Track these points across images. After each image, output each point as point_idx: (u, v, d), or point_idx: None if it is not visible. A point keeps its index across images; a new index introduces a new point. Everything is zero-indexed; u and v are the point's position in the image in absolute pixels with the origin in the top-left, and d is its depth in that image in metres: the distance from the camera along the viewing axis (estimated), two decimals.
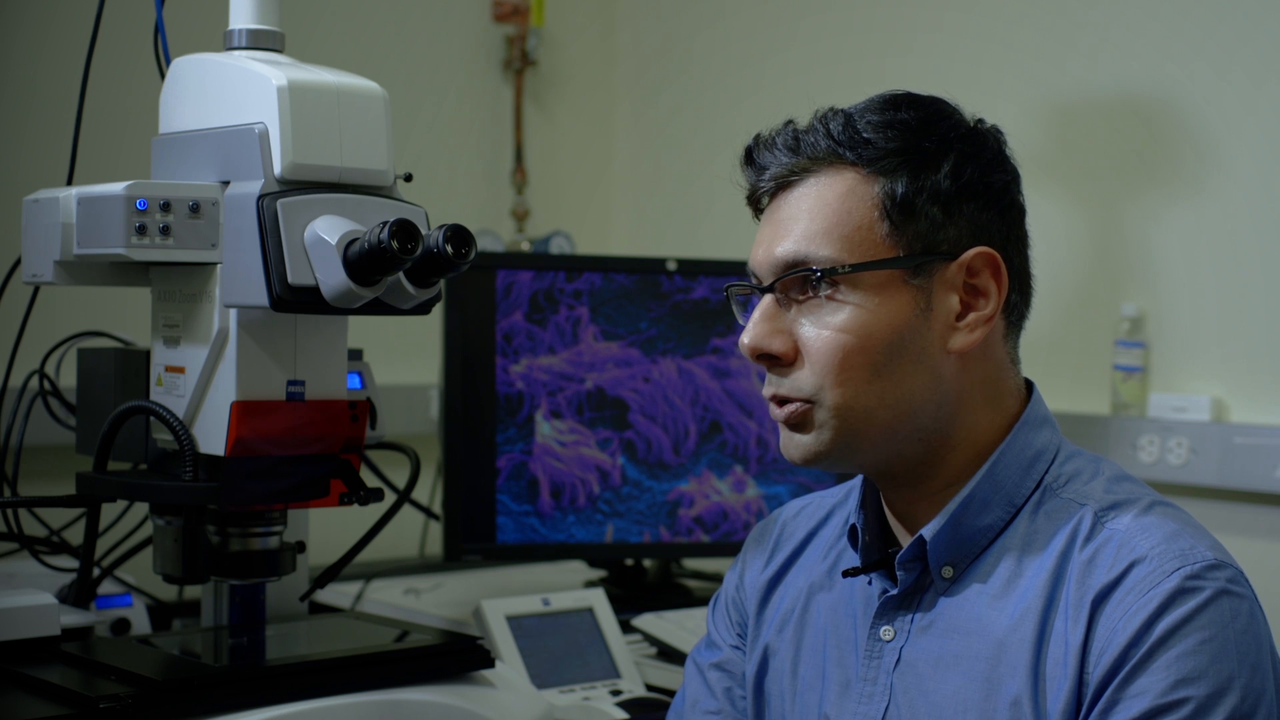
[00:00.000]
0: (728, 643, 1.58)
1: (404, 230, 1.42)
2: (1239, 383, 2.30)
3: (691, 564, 2.58)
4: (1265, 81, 2.26)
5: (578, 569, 2.54)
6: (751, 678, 1.53)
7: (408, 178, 1.58)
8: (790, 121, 1.41)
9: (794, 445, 1.37)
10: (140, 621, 2.00)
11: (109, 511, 1.91)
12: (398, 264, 1.43)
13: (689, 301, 2.37)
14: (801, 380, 1.35)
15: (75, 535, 1.92)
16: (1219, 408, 2.31)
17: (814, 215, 1.35)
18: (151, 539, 1.70)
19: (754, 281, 1.40)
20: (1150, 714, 1.22)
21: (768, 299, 1.37)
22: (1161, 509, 1.33)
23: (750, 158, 1.43)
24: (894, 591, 1.39)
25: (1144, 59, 2.39)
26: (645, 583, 2.45)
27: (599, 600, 2.05)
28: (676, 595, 2.42)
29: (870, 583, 1.43)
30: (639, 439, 2.34)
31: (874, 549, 1.43)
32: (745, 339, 1.37)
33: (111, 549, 2.03)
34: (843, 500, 1.54)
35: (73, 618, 1.74)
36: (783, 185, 1.39)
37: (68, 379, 1.93)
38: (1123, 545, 1.29)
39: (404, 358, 2.67)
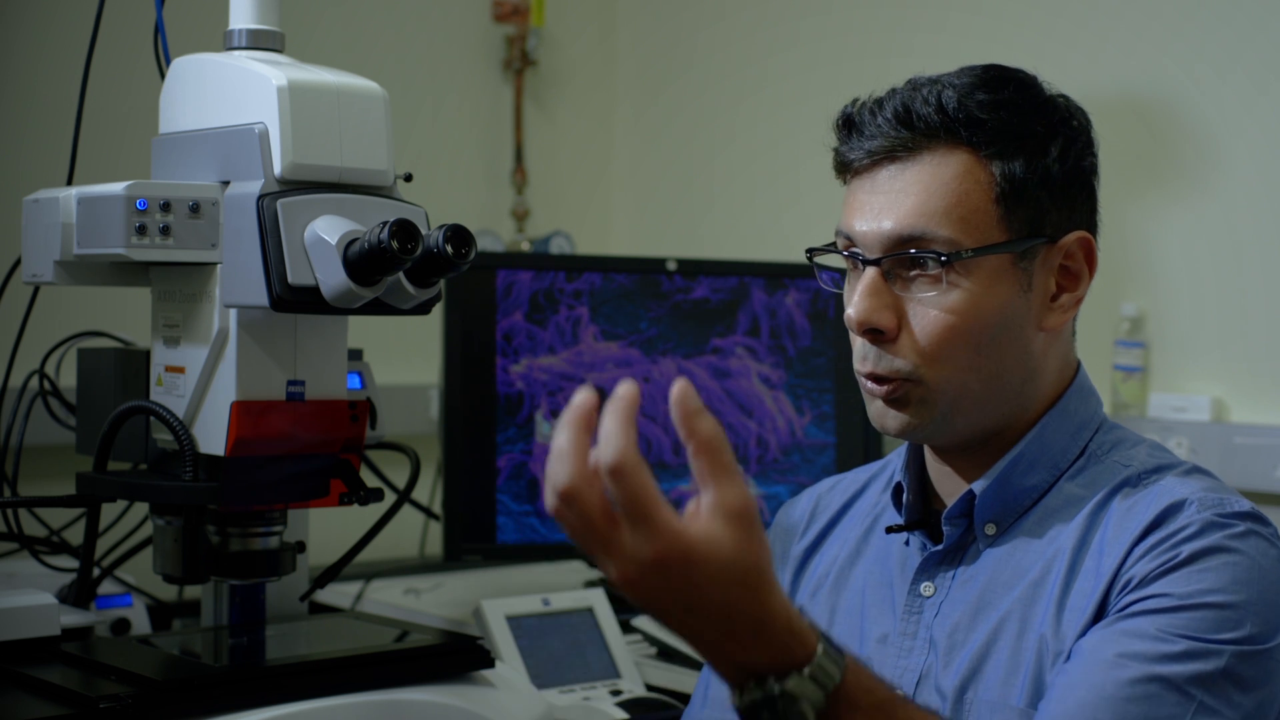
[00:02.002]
0: None
1: (404, 230, 1.42)
2: (1239, 383, 2.30)
3: None
4: (1265, 81, 2.26)
5: (578, 569, 2.54)
6: None
7: (408, 178, 1.57)
8: (895, 90, 1.39)
9: (891, 419, 1.39)
10: (140, 621, 2.00)
11: (109, 511, 1.91)
12: (398, 264, 1.43)
13: (689, 301, 2.37)
14: (901, 359, 1.36)
15: (75, 535, 1.92)
16: (1219, 408, 2.31)
17: (930, 194, 1.34)
18: (151, 539, 1.70)
19: (850, 249, 1.39)
20: (1165, 610, 1.25)
21: (874, 273, 1.36)
22: (1201, 473, 1.37)
23: (850, 123, 1.40)
24: (938, 548, 1.42)
25: (1144, 59, 2.39)
26: None
27: (599, 600, 2.05)
28: None
29: (907, 543, 1.46)
30: (639, 439, 2.34)
31: (916, 508, 1.46)
32: (853, 312, 1.36)
33: (111, 549, 2.03)
34: (879, 471, 1.57)
35: (73, 618, 1.74)
36: (888, 157, 1.37)
37: (68, 379, 1.93)
38: (1163, 492, 1.33)
39: (404, 358, 2.67)
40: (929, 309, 1.35)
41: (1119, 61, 2.42)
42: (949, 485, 1.44)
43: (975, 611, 1.37)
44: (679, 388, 0.97)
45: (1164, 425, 2.31)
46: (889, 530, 1.46)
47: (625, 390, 1.00)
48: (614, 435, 1.00)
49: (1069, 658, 1.29)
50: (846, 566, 1.51)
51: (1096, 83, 2.43)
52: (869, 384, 1.40)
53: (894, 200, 1.36)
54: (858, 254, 1.38)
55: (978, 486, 1.39)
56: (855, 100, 1.41)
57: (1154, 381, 2.38)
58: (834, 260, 1.44)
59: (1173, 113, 2.36)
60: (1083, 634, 1.29)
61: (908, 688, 1.39)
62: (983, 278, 1.34)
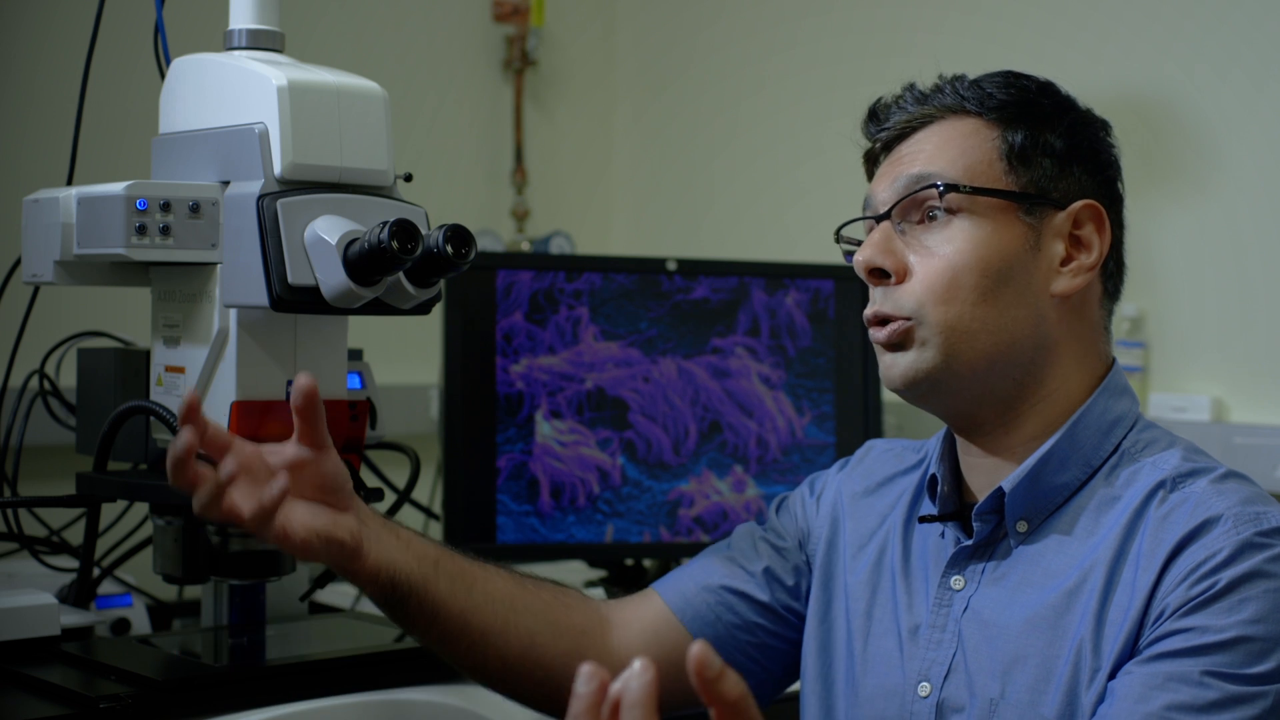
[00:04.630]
0: (792, 537, 1.62)
1: (404, 230, 1.42)
2: (1239, 383, 2.30)
3: None
4: (1265, 81, 2.26)
5: (578, 569, 2.54)
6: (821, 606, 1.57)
7: (408, 178, 1.57)
8: (912, 83, 1.49)
9: (894, 366, 1.42)
10: (140, 621, 2.00)
11: (109, 511, 1.91)
12: (398, 264, 1.43)
13: (689, 301, 2.37)
14: (904, 297, 1.40)
15: (75, 535, 1.92)
16: (1219, 408, 2.31)
17: (938, 147, 1.43)
18: (151, 539, 1.70)
19: (870, 214, 1.46)
20: (1207, 648, 1.25)
21: (884, 224, 1.43)
22: (1236, 478, 1.37)
23: (874, 115, 1.50)
24: (968, 542, 1.43)
25: (1144, 59, 2.39)
26: (645, 583, 2.45)
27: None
28: None
29: (943, 535, 1.48)
30: (639, 439, 2.34)
31: (950, 501, 1.47)
32: (859, 256, 1.43)
33: (111, 549, 2.03)
34: (918, 461, 1.59)
35: (73, 618, 1.74)
36: (903, 134, 1.46)
37: (68, 379, 1.93)
38: (1199, 505, 1.32)
39: (404, 358, 2.67)
40: (934, 251, 1.40)
41: (1119, 61, 2.42)
42: (981, 478, 1.46)
43: (1004, 608, 1.38)
44: (698, 652, 0.92)
45: (1164, 425, 2.31)
46: (922, 520, 1.48)
47: (646, 681, 0.92)
48: None
49: (1106, 697, 1.29)
50: (884, 551, 1.53)
51: (1096, 83, 2.43)
52: (874, 332, 1.43)
53: (906, 159, 1.44)
54: (875, 215, 1.45)
55: (1008, 483, 1.40)
56: (878, 98, 1.50)
57: (1154, 381, 2.38)
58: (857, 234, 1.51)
59: (1173, 113, 2.36)
60: (1120, 657, 1.29)
61: (936, 680, 1.40)
62: (986, 222, 1.39)
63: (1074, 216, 1.42)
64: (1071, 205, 1.42)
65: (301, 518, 1.37)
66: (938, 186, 1.39)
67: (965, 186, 1.39)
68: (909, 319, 1.40)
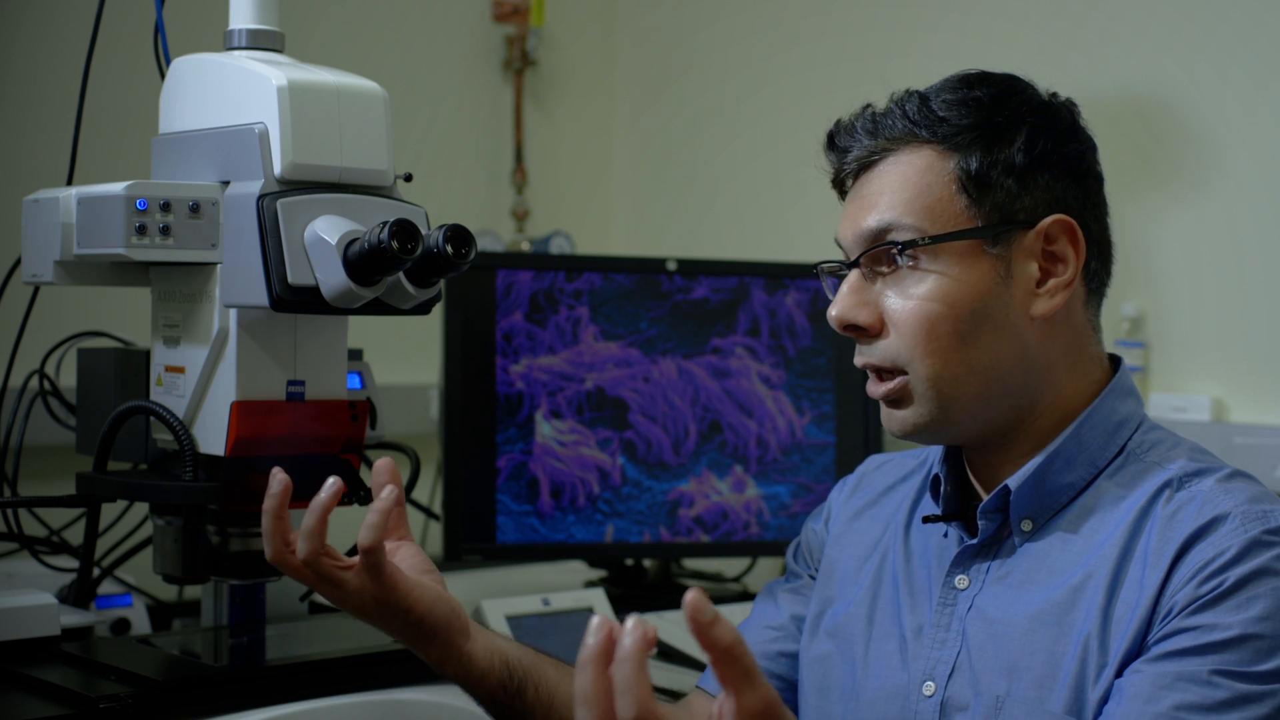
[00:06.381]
0: (806, 573, 1.63)
1: (404, 230, 1.42)
2: (1239, 383, 2.30)
3: (691, 564, 2.58)
4: (1265, 81, 2.26)
5: (578, 569, 2.54)
6: (816, 615, 1.56)
7: (408, 178, 1.58)
8: (868, 105, 1.46)
9: (894, 420, 1.42)
10: (140, 621, 2.00)
11: (109, 511, 1.91)
12: (398, 264, 1.44)
13: (689, 301, 2.37)
14: (891, 348, 1.39)
15: (75, 535, 1.92)
16: (1219, 408, 2.31)
17: (895, 190, 1.40)
18: (151, 539, 1.70)
19: (843, 257, 1.45)
20: (1214, 646, 1.25)
21: (854, 273, 1.42)
22: (1243, 478, 1.37)
23: (832, 143, 1.47)
24: (972, 541, 1.43)
25: (1144, 59, 2.39)
26: (645, 583, 2.45)
27: (599, 600, 2.05)
28: (676, 595, 2.41)
29: (945, 535, 1.48)
30: (639, 439, 2.34)
31: (954, 500, 1.47)
32: (833, 311, 1.42)
33: (111, 549, 2.03)
34: (918, 466, 1.59)
35: (73, 618, 1.74)
36: (864, 166, 1.44)
37: (68, 379, 1.93)
38: (1206, 503, 1.32)
39: (404, 358, 2.67)
40: (905, 300, 1.38)
41: (1119, 61, 2.42)
42: (985, 478, 1.46)
43: (1008, 606, 1.38)
44: (692, 599, 0.96)
45: (1164, 425, 2.31)
46: (925, 520, 1.48)
47: (637, 638, 0.97)
48: (632, 687, 0.98)
49: (1113, 696, 1.28)
50: (885, 556, 1.53)
51: (1096, 83, 2.43)
52: (872, 387, 1.43)
53: (867, 201, 1.42)
54: (845, 260, 1.44)
55: (1013, 482, 1.40)
56: (837, 121, 1.47)
57: (1154, 381, 2.38)
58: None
59: (1173, 113, 2.36)
60: (1128, 654, 1.29)
61: (940, 679, 1.40)
62: (952, 264, 1.37)
63: (1044, 234, 1.39)
64: (1040, 223, 1.39)
65: (410, 570, 1.39)
66: (896, 245, 1.37)
67: (924, 239, 1.37)
68: (901, 372, 1.39)
